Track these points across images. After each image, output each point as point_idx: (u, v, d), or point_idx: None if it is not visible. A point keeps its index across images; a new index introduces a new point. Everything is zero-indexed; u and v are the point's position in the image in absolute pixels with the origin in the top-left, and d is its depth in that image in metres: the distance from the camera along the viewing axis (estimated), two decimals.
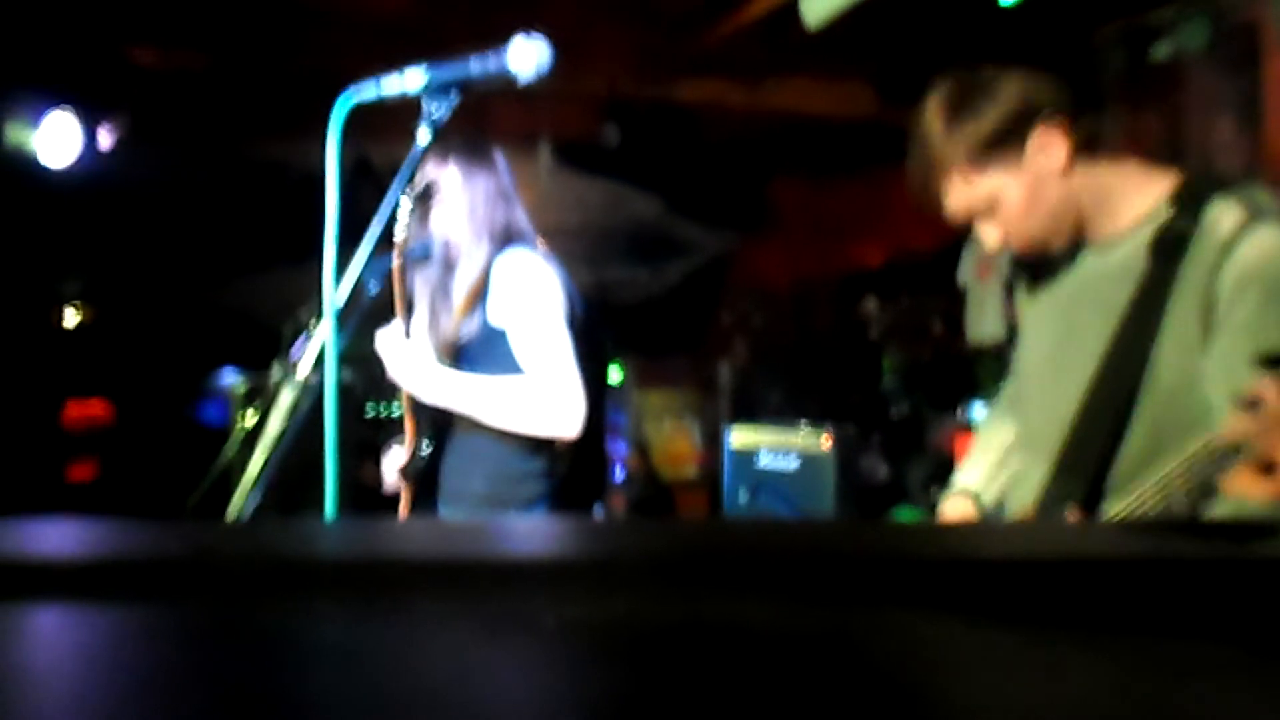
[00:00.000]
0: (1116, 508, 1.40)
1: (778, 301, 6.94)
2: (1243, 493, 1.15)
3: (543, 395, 2.11)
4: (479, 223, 2.22)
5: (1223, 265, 1.36)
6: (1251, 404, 1.13)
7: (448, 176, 2.23)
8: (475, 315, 2.20)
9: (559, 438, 2.15)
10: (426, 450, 2.26)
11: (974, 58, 1.56)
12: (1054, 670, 0.45)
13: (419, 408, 2.26)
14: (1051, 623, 0.51)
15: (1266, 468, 1.11)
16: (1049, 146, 1.48)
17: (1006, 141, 1.48)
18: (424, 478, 2.28)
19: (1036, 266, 1.68)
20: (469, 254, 2.22)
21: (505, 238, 2.23)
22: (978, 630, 0.50)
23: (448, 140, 2.15)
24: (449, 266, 2.23)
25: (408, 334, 2.21)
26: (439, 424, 2.27)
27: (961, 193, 1.53)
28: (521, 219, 2.29)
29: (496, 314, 2.18)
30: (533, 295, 2.17)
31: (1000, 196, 1.50)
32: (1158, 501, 1.32)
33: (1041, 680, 0.44)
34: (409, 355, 2.16)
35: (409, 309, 2.21)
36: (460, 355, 2.23)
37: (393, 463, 2.32)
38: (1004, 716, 0.41)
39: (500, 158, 2.31)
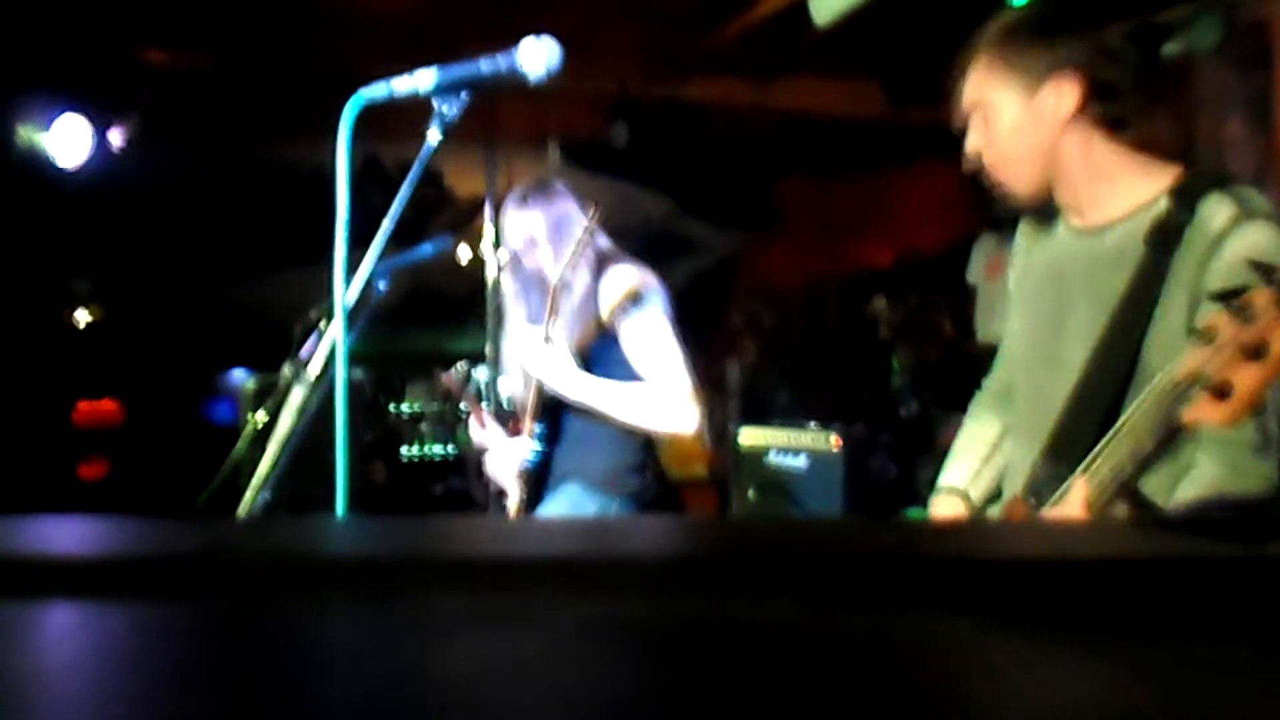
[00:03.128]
0: (1092, 459, 1.41)
1: (786, 301, 6.94)
2: (1202, 419, 1.18)
3: (667, 400, 2.33)
4: (574, 257, 2.35)
5: (1212, 259, 1.38)
6: (1207, 335, 1.16)
7: (532, 221, 2.41)
8: (588, 330, 2.37)
9: (681, 434, 2.36)
10: (538, 452, 2.42)
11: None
12: (1070, 670, 0.45)
13: (538, 407, 2.42)
14: (1068, 623, 0.51)
15: (1222, 392, 1.14)
16: (1063, 94, 1.50)
17: (1036, 67, 1.51)
18: (535, 476, 2.45)
19: (1029, 247, 1.69)
20: (572, 284, 2.38)
21: (600, 262, 2.40)
22: (992, 630, 0.50)
23: (522, 188, 2.44)
24: (556, 295, 2.36)
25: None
26: (550, 418, 2.44)
27: (975, 83, 1.57)
28: (603, 239, 2.47)
29: (610, 327, 2.36)
30: (642, 307, 2.36)
31: (999, 107, 1.54)
32: (1128, 446, 1.33)
33: (1058, 680, 0.44)
34: (552, 354, 2.33)
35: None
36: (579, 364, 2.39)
37: (503, 463, 2.45)
38: (1020, 717, 0.41)
39: (564, 190, 2.49)
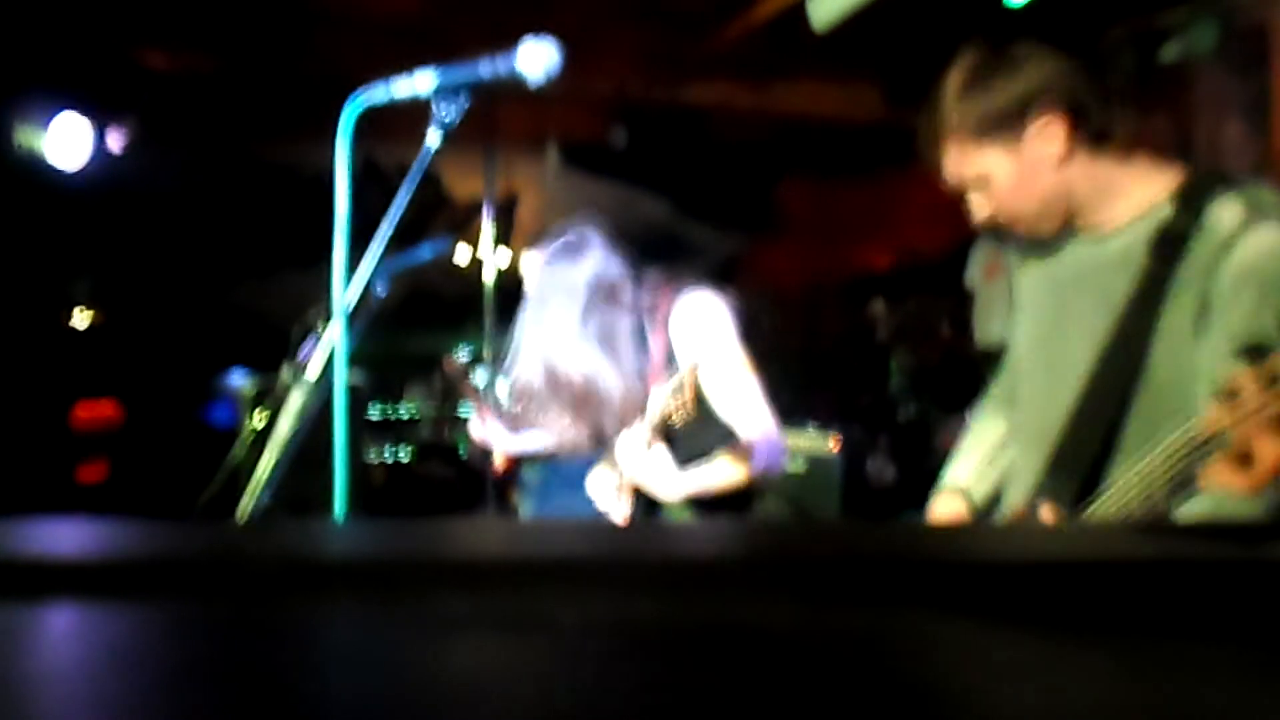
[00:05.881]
0: (1099, 501, 1.40)
1: (785, 303, 6.93)
2: (1220, 484, 1.15)
3: (758, 455, 2.22)
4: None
5: (1221, 263, 1.35)
6: (1231, 395, 1.13)
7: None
8: (662, 369, 2.25)
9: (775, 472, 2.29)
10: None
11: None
12: (1072, 672, 0.45)
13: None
14: (1068, 625, 0.51)
15: (1244, 459, 1.11)
16: (1048, 134, 1.47)
17: (1009, 122, 1.47)
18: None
19: (1031, 247, 1.67)
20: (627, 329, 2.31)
21: (656, 302, 2.32)
22: (992, 630, 0.50)
23: (559, 251, 2.35)
24: (661, 425, 2.26)
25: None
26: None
27: (957, 161, 1.53)
28: (626, 292, 2.37)
29: (685, 361, 2.23)
30: (714, 339, 2.26)
31: (993, 174, 1.50)
32: (1139, 493, 1.31)
33: (1059, 682, 0.45)
34: (653, 464, 2.25)
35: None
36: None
37: (615, 513, 2.41)
38: (1021, 716, 0.41)
39: (597, 246, 2.40)
